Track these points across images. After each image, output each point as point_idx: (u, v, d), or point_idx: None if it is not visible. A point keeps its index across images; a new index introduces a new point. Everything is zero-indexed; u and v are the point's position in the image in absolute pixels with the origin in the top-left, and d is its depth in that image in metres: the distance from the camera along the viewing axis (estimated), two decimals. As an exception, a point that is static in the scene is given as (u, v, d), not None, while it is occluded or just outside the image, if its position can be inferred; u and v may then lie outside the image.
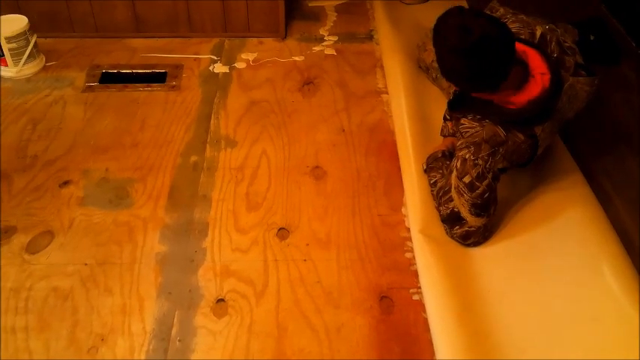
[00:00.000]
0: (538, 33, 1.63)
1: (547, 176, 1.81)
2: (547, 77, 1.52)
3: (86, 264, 1.63)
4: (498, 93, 1.52)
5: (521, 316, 1.46)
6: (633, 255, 1.57)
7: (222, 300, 1.55)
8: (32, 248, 1.66)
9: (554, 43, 1.63)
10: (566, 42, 1.70)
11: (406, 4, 2.73)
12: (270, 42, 2.53)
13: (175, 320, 1.50)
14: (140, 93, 2.24)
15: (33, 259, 1.64)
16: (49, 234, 1.70)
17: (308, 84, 2.30)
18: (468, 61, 1.43)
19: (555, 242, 1.62)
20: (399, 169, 1.92)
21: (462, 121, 1.61)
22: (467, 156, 1.57)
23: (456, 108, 1.68)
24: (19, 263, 1.62)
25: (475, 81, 1.48)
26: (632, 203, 1.81)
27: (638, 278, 1.46)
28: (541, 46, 1.59)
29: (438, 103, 2.13)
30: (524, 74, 1.52)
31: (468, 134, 1.59)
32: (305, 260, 1.65)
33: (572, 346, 1.37)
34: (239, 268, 1.63)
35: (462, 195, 1.59)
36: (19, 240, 1.68)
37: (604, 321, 1.39)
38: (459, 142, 1.61)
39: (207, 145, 2.01)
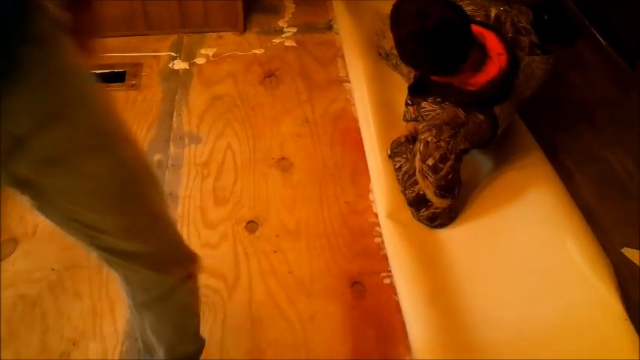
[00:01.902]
0: (493, 14, 1.65)
1: (508, 155, 1.84)
2: (504, 57, 1.54)
3: (53, 269, 1.60)
4: (458, 75, 1.54)
5: (491, 292, 1.49)
6: (594, 228, 1.62)
7: (194, 296, 1.54)
8: (-4, 256, 1.63)
9: (508, 23, 1.65)
10: (521, 22, 1.73)
11: (363, -8, 2.73)
12: (229, 36, 2.51)
13: (147, 319, 1.48)
14: (99, 94, 2.20)
15: (-3, 268, 1.61)
16: (13, 241, 1.67)
17: (270, 76, 2.30)
18: (426, 46, 1.45)
19: (520, 220, 1.65)
20: (364, 156, 1.93)
21: (423, 105, 1.63)
22: (429, 139, 1.59)
23: (417, 92, 1.70)
24: (-17, 272, 1.59)
25: (435, 65, 1.50)
26: (592, 179, 1.86)
27: (599, 250, 1.50)
28: (496, 27, 1.61)
29: (400, 89, 2.14)
30: (482, 56, 1.54)
31: (429, 117, 1.61)
32: (275, 252, 1.65)
33: (542, 317, 1.41)
34: (209, 263, 1.62)
35: (427, 177, 1.61)
36: (-18, 249, 1.65)
37: (571, 291, 1.42)
38: (421, 126, 1.63)
39: (171, 143, 2.00)
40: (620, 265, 1.54)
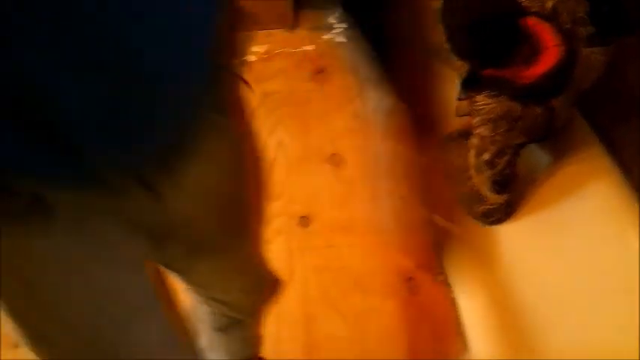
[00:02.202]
0: (549, 5, 1.61)
1: (566, 149, 1.79)
2: (560, 49, 1.50)
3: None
4: (511, 68, 1.51)
5: (553, 292, 1.46)
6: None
7: (247, 290, 1.56)
8: None
9: (565, 14, 1.61)
10: (579, 13, 1.68)
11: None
12: (279, 33, 2.53)
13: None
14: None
15: None
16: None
17: (320, 72, 2.30)
18: (477, 37, 1.43)
19: (578, 215, 1.61)
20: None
21: (477, 99, 1.60)
22: (485, 133, 1.56)
23: (470, 86, 1.67)
24: None
25: (485, 56, 1.48)
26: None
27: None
28: (553, 18, 1.57)
29: (451, 83, 2.12)
30: (536, 47, 1.51)
31: (483, 111, 1.58)
32: (329, 247, 1.66)
33: (605, 317, 1.37)
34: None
35: (482, 173, 1.58)
36: None
37: (636, 291, 1.38)
38: (475, 120, 1.61)
39: (224, 139, 2.02)
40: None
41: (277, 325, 1.48)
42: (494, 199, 1.59)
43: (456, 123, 1.88)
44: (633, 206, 1.55)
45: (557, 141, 1.79)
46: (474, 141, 1.58)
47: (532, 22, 1.49)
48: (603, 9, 2.01)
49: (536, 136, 1.66)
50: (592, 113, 1.92)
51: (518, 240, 1.59)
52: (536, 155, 1.79)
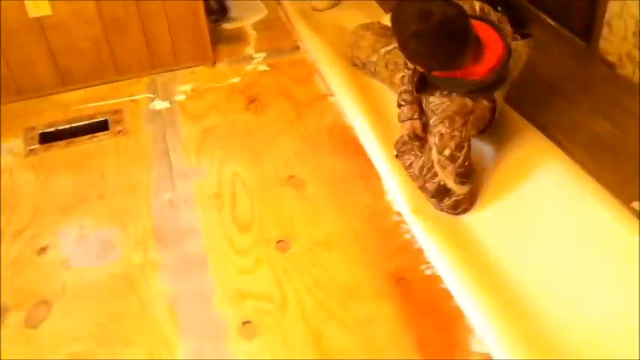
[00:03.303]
0: (477, 7, 1.76)
1: (505, 136, 1.94)
2: (500, 45, 1.65)
3: (96, 323, 1.56)
4: (462, 67, 1.63)
5: (529, 264, 1.57)
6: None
7: (248, 322, 1.54)
8: (32, 322, 1.57)
9: (492, 14, 1.77)
10: (498, 12, 1.85)
11: (318, 10, 2.82)
12: (201, 70, 2.53)
13: (209, 354, 1.48)
14: (87, 145, 2.17)
15: (37, 334, 1.55)
16: (45, 304, 1.62)
17: (253, 102, 2.33)
18: (433, 43, 1.53)
19: (535, 192, 1.75)
20: (368, 161, 1.99)
21: (431, 100, 1.71)
22: (443, 130, 1.66)
23: (423, 90, 1.78)
24: (23, 341, 1.53)
25: (442, 60, 1.58)
26: (583, 146, 1.98)
27: (620, 205, 1.61)
28: (485, 18, 1.72)
29: (384, 93, 2.23)
30: (480, 46, 1.64)
31: (439, 110, 1.69)
32: (313, 265, 1.68)
33: (582, 275, 1.50)
34: (253, 288, 1.63)
35: (446, 167, 1.68)
36: (15, 318, 1.58)
37: (605, 249, 1.52)
38: (432, 119, 1.71)
39: (176, 181, 1.99)
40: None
41: (287, 349, 1.47)
42: (460, 190, 1.70)
43: (399, 129, 1.98)
44: (584, 176, 1.72)
45: (495, 131, 1.93)
46: (434, 140, 1.68)
47: (473, 22, 1.62)
48: (498, 10, 2.22)
49: (482, 128, 1.79)
50: (517, 103, 2.09)
51: (489, 224, 1.70)
52: (480, 146, 1.93)
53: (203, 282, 1.65)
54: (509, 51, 1.65)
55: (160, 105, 2.34)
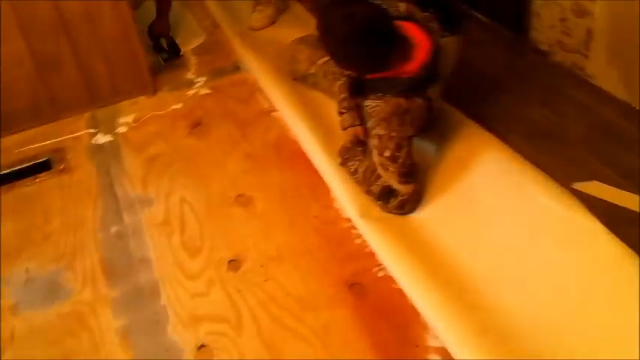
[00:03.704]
0: (402, 8, 1.78)
1: (447, 133, 1.97)
2: (427, 42, 1.67)
3: (47, 366, 1.52)
4: (392, 68, 1.65)
5: (479, 253, 1.58)
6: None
7: (203, 346, 1.51)
8: (-20, 373, 1.52)
9: (418, 13, 1.79)
10: (424, 12, 1.88)
11: (256, 30, 2.83)
12: (142, 100, 2.50)
13: (165, 383, 1.44)
14: (30, 187, 2.13)
15: (-14, 384, 1.50)
16: (-7, 352, 1.57)
17: (197, 126, 2.31)
18: (360, 46, 1.55)
19: (479, 184, 1.77)
20: (315, 172, 1.99)
21: (366, 103, 1.72)
22: (381, 132, 1.67)
23: (357, 94, 1.79)
24: (-28, 393, 1.48)
25: (370, 61, 1.60)
26: (524, 135, 2.02)
27: (562, 189, 1.63)
28: (410, 18, 1.74)
29: (325, 103, 2.24)
30: (408, 45, 1.66)
31: (375, 113, 1.70)
32: (266, 280, 1.66)
33: (531, 261, 1.51)
34: (206, 311, 1.60)
35: (388, 169, 1.69)
36: (-38, 370, 1.53)
37: (550, 231, 1.54)
38: (370, 123, 1.72)
39: (123, 213, 1.96)
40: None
41: (245, 368, 1.45)
42: (405, 189, 1.71)
43: (344, 136, 1.98)
44: (525, 165, 1.74)
45: (435, 129, 1.95)
46: (374, 142, 1.69)
47: (398, 23, 1.64)
48: (427, 8, 2.25)
49: (420, 127, 1.81)
50: (457, 100, 2.12)
51: (437, 220, 1.71)
52: (422, 145, 1.94)
53: (156, 311, 1.62)
54: (436, 47, 1.67)
55: (102, 139, 2.31)
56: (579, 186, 1.81)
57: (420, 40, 1.65)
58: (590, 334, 1.31)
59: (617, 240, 1.44)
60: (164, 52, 2.71)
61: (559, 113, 2.10)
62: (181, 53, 2.74)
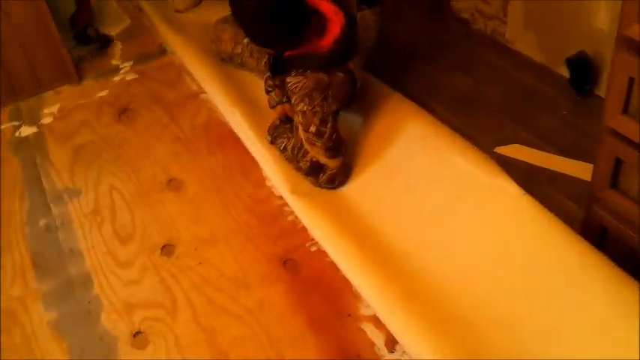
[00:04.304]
0: (317, -17, 1.78)
1: (372, 106, 1.99)
2: (340, 15, 1.68)
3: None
4: (308, 44, 1.66)
5: (406, 222, 1.62)
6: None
7: (139, 332, 1.51)
8: None
9: (333, -13, 1.80)
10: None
11: (181, 12, 2.78)
12: (67, 89, 2.44)
13: (101, 371, 1.44)
14: (-49, 185, 2.06)
15: None
16: None
17: (124, 112, 2.27)
18: (271, 22, 1.55)
19: (405, 155, 1.80)
20: (246, 152, 1.99)
21: (288, 80, 1.72)
22: (305, 108, 1.68)
23: (278, 72, 1.79)
24: None
25: (284, 37, 1.60)
26: (445, 102, 2.07)
27: (481, 154, 1.69)
28: (324, -8, 1.75)
29: (253, 83, 2.23)
30: (322, 20, 1.67)
31: (297, 89, 1.70)
32: (200, 263, 1.66)
33: (456, 227, 1.56)
34: (140, 297, 1.59)
35: (314, 144, 1.71)
36: None
37: (469, 194, 1.59)
38: (293, 99, 1.72)
39: (51, 205, 1.92)
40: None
41: (180, 351, 1.45)
42: (333, 163, 1.73)
43: (272, 114, 1.99)
44: (446, 132, 1.79)
45: (361, 102, 1.98)
46: (298, 118, 1.70)
47: (310, -1, 1.65)
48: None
49: (345, 101, 1.83)
50: (379, 71, 2.15)
51: (366, 192, 1.74)
52: (349, 119, 1.97)
53: (89, 301, 1.60)
54: (351, 20, 1.69)
55: (26, 131, 2.25)
56: (501, 149, 1.88)
57: (333, 14, 1.66)
58: (510, 290, 1.37)
59: (534, 201, 1.50)
60: (94, 41, 2.63)
61: (480, 80, 2.16)
62: (112, 41, 2.68)
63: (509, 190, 1.54)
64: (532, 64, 2.16)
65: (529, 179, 1.71)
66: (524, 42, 2.18)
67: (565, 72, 2.00)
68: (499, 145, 1.88)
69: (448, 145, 1.75)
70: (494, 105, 2.04)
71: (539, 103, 2.02)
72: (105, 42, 2.65)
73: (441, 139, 1.79)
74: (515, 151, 1.85)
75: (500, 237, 1.47)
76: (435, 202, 1.64)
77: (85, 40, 2.63)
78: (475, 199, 1.58)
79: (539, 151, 1.85)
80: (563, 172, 1.75)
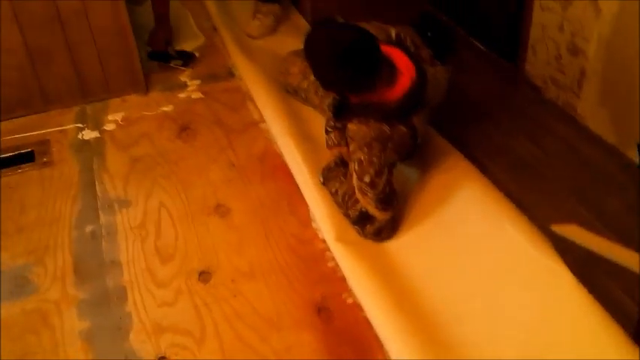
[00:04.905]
0: (393, 34, 1.78)
1: (430, 162, 1.96)
2: (412, 70, 1.67)
3: (4, 363, 1.51)
4: (375, 93, 1.65)
5: (448, 288, 1.57)
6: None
7: (163, 357, 1.50)
8: (-64, 365, 1.51)
9: (409, 40, 1.79)
10: (416, 38, 1.87)
11: (253, 38, 2.83)
12: (133, 98, 2.49)
13: (121, 392, 1.43)
14: (10, 177, 2.11)
15: (-59, 376, 1.48)
16: (-48, 344, 1.55)
17: (185, 130, 2.30)
18: (343, 68, 1.54)
19: (456, 216, 1.76)
20: (297, 188, 1.98)
21: (349, 127, 1.71)
22: (362, 157, 1.67)
23: (341, 116, 1.78)
24: None
25: (353, 85, 1.60)
26: (505, 167, 2.02)
27: (534, 227, 1.63)
28: (400, 45, 1.74)
29: (314, 120, 2.23)
30: (393, 71, 1.66)
31: (357, 137, 1.69)
32: (235, 296, 1.65)
33: (498, 300, 1.51)
34: (171, 321, 1.59)
35: (366, 194, 1.68)
36: None
37: (522, 270, 1.54)
38: (352, 146, 1.71)
39: (100, 212, 1.94)
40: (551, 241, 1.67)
41: (202, 385, 1.44)
42: (382, 216, 1.70)
43: (328, 155, 1.98)
44: (501, 199, 1.74)
45: (420, 156, 1.95)
46: (354, 166, 1.68)
47: (386, 49, 1.64)
48: (428, 35, 2.26)
49: (404, 154, 1.80)
50: (443, 126, 2.12)
51: (410, 249, 1.70)
52: (405, 172, 1.94)
53: (120, 317, 1.61)
54: (422, 75, 1.67)
55: (88, 135, 2.30)
56: (558, 228, 1.80)
57: (405, 67, 1.65)
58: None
59: (588, 294, 1.43)
60: (176, 59, 2.66)
61: (544, 149, 2.10)
62: (194, 58, 2.70)
63: (561, 274, 1.48)
64: (602, 142, 2.08)
65: (584, 264, 1.63)
66: (596, 119, 2.11)
67: (636, 157, 1.92)
68: (556, 222, 1.81)
69: (502, 213, 1.70)
70: (557, 178, 1.97)
71: (604, 184, 1.95)
72: (187, 59, 2.67)
73: (495, 206, 1.75)
74: (572, 231, 1.77)
75: (547, 326, 1.40)
76: (481, 272, 1.59)
77: (162, 57, 2.65)
78: (524, 278, 1.52)
79: (598, 237, 1.77)
80: (620, 262, 1.67)
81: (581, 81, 2.13)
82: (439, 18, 2.84)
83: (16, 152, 2.23)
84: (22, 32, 2.23)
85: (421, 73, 1.67)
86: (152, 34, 2.61)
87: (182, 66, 2.64)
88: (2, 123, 2.35)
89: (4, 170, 2.15)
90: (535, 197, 1.89)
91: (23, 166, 2.17)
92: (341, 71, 1.55)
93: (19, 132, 2.32)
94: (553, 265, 1.50)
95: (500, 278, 1.55)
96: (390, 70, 1.64)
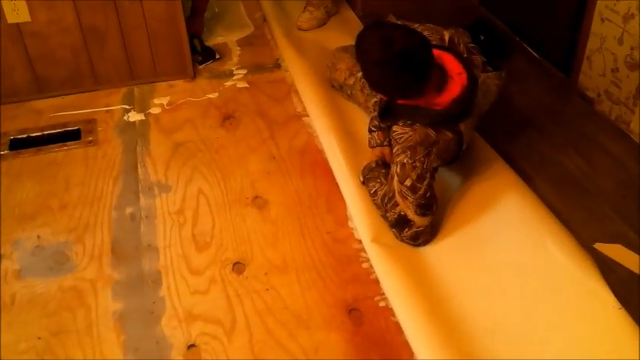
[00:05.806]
0: (447, 37, 1.75)
1: (473, 168, 1.93)
2: (464, 76, 1.63)
3: (39, 337, 1.54)
4: (424, 97, 1.62)
5: (484, 300, 1.54)
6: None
7: (193, 345, 1.51)
8: (-25, 333, 1.55)
9: (462, 44, 1.75)
10: (470, 43, 1.84)
11: (303, 30, 2.82)
12: (180, 84, 2.52)
13: (149, 375, 1.45)
14: (56, 154, 2.16)
15: (-21, 344, 1.53)
16: (-8, 314, 1.60)
17: (228, 118, 2.31)
18: (394, 71, 1.52)
19: (497, 226, 1.73)
20: (336, 185, 1.97)
21: (394, 129, 1.69)
22: (405, 160, 1.64)
23: (386, 117, 1.76)
24: (-36, 351, 1.51)
25: (402, 88, 1.57)
26: (551, 180, 1.97)
27: (577, 245, 1.58)
28: (452, 49, 1.71)
29: (358, 117, 2.22)
30: (443, 76, 1.63)
31: (402, 140, 1.67)
32: (267, 289, 1.65)
33: (534, 318, 1.47)
34: (203, 309, 1.60)
35: (406, 198, 1.66)
36: (-41, 327, 1.56)
37: (560, 289, 1.50)
38: (395, 149, 1.69)
39: (140, 194, 1.97)
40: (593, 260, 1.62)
41: (229, 376, 1.44)
42: (421, 221, 1.67)
43: (369, 155, 1.96)
44: (545, 213, 1.69)
45: (463, 162, 1.91)
46: (396, 169, 1.66)
47: (438, 53, 1.61)
48: (481, 39, 2.22)
49: (447, 159, 1.77)
50: (489, 133, 2.07)
51: (446, 257, 1.67)
52: (446, 177, 1.91)
53: (154, 301, 1.63)
54: (473, 82, 1.63)
55: (134, 117, 2.33)
56: (601, 247, 1.75)
57: (456, 73, 1.62)
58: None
59: (631, 320, 1.39)
60: (198, 53, 2.63)
61: (593, 164, 2.04)
62: (217, 56, 2.66)
63: (603, 297, 1.44)
64: (653, 160, 2.02)
65: (627, 286, 1.58)
66: (649, 136, 2.04)
67: (688, 179, 1.86)
68: (600, 241, 1.76)
69: (544, 228, 1.66)
70: (604, 195, 1.92)
71: (653, 204, 1.88)
72: (206, 56, 2.64)
73: (537, 219, 1.70)
74: (616, 251, 1.72)
75: (586, 350, 1.36)
76: (518, 286, 1.56)
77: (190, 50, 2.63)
78: (563, 297, 1.48)
79: (643, 258, 1.71)
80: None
81: (637, 96, 2.06)
82: (494, 23, 2.79)
83: (63, 129, 2.27)
84: (78, 13, 2.27)
85: (472, 80, 1.64)
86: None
87: (199, 63, 2.61)
88: (53, 99, 2.40)
89: (50, 146, 2.19)
90: (578, 213, 1.84)
91: (69, 143, 2.21)
92: (391, 75, 1.53)
93: (67, 109, 2.37)
94: (595, 286, 1.46)
95: (538, 295, 1.52)
96: (440, 75, 1.61)
